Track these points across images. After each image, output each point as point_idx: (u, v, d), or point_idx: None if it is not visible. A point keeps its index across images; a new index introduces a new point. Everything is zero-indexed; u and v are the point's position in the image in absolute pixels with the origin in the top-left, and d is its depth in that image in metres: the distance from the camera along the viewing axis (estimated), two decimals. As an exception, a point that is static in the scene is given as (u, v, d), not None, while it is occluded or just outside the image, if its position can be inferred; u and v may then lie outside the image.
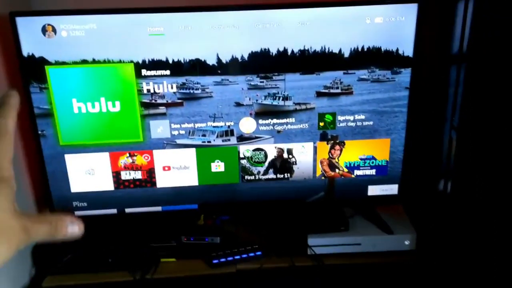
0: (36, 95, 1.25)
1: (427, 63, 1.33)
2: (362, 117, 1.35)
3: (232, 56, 1.25)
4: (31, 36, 1.19)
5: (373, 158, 1.41)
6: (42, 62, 1.21)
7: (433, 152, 1.40)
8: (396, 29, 1.26)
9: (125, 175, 1.37)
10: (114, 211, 1.42)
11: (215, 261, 1.39)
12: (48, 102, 1.26)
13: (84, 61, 1.23)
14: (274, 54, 1.26)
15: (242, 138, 1.36)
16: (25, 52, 1.20)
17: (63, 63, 1.22)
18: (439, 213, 1.40)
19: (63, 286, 1.34)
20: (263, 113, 1.34)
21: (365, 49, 1.27)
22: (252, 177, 1.42)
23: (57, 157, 1.33)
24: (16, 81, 1.27)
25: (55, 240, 0.48)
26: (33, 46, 1.20)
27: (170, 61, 1.25)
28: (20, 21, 1.17)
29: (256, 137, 1.37)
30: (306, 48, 1.26)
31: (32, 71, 1.23)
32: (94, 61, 1.23)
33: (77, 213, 1.40)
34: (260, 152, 1.39)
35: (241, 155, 1.39)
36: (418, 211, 1.50)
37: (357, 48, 1.27)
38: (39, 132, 1.29)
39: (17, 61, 1.21)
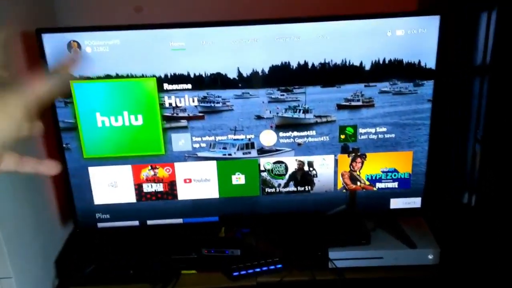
0: (61, 109, 1.28)
1: (449, 75, 1.31)
2: (384, 129, 1.34)
3: (253, 70, 1.26)
4: (56, 52, 1.21)
5: (396, 170, 1.40)
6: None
7: (456, 165, 1.38)
8: (418, 41, 1.25)
9: (147, 188, 1.39)
10: (136, 223, 1.44)
11: (235, 274, 1.39)
12: (73, 116, 1.28)
13: (108, 76, 1.25)
14: (294, 67, 1.26)
15: (263, 151, 1.37)
16: (51, 68, 1.22)
17: (88, 78, 1.25)
18: (463, 226, 1.37)
19: (85, 297, 1.36)
20: (283, 126, 1.34)
21: (387, 62, 1.26)
22: (273, 190, 1.42)
23: (81, 170, 1.35)
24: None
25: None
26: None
27: (192, 75, 1.26)
28: (46, 38, 1.20)
29: (277, 150, 1.37)
30: (327, 61, 1.26)
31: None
32: (117, 76, 1.25)
33: (100, 224, 1.42)
34: (280, 165, 1.39)
35: (262, 168, 1.39)
36: (441, 224, 1.47)
37: (378, 60, 1.26)
38: (64, 146, 1.32)
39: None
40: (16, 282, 1.19)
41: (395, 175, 1.40)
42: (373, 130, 1.35)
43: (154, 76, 1.26)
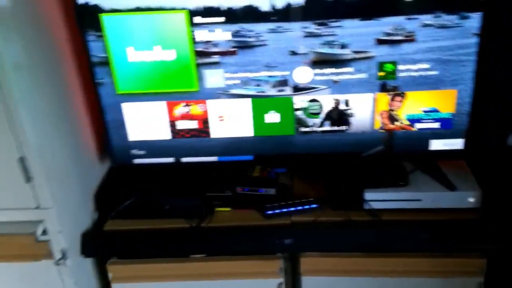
0: (93, 43, 1.28)
1: (499, 6, 1.21)
2: (426, 66, 1.27)
3: (287, 1, 1.20)
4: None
5: (437, 110, 1.33)
6: (96, 10, 1.23)
7: (503, 105, 1.30)
8: (466, -31, 1.15)
9: (181, 125, 1.39)
10: (171, 160, 1.45)
11: (269, 212, 1.39)
12: (104, 50, 1.28)
13: (138, 9, 1.23)
14: (331, -2, 1.20)
15: (298, 89, 1.33)
16: (80, 0, 1.22)
17: (118, 10, 1.23)
18: (506, 169, 1.31)
19: (123, 230, 1.40)
20: (319, 62, 1.29)
21: (430, -9, 1.18)
22: (308, 129, 1.39)
23: (115, 106, 1.37)
24: (73, 30, 1.30)
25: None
26: (88, -7, 1.22)
27: (223, 8, 1.22)
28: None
29: (312, 88, 1.32)
30: (366, -9, 1.19)
31: (88, 19, 1.25)
32: (148, 9, 1.22)
33: (136, 161, 1.44)
34: (315, 103, 1.35)
35: (296, 106, 1.35)
36: (484, 167, 1.41)
37: (422, -10, 1.18)
38: (98, 81, 1.32)
39: (73, 9, 1.24)
40: (57, 213, 1.24)
41: (436, 115, 1.34)
42: (414, 67, 1.28)
43: (185, 8, 1.22)
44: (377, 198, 1.37)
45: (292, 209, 1.39)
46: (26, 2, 1.13)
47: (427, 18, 1.22)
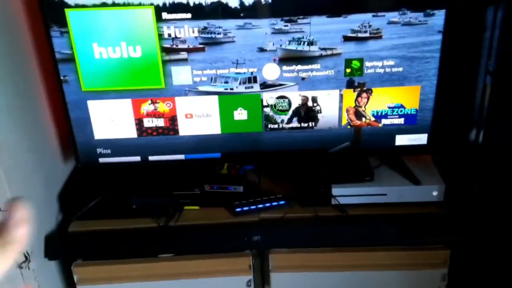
0: (57, 39, 1.24)
1: (461, 4, 1.24)
2: (392, 63, 1.30)
3: (255, -2, 1.20)
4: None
5: (402, 106, 1.36)
6: (62, 4, 1.19)
7: (465, 100, 1.34)
8: (430, -33, 1.18)
9: (147, 123, 1.37)
10: (137, 158, 1.43)
11: (238, 210, 1.38)
12: (69, 46, 1.24)
13: (104, 4, 1.20)
14: (299, -5, 1.20)
15: (266, 85, 1.33)
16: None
17: (83, 6, 1.20)
18: (469, 163, 1.35)
19: (88, 231, 1.37)
20: (287, 59, 1.29)
21: (396, -11, 1.20)
22: (276, 126, 1.39)
23: (80, 103, 1.33)
24: (37, 24, 1.25)
25: None
26: (52, -12, 1.18)
27: (191, 4, 1.21)
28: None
29: (280, 84, 1.33)
30: (333, -12, 1.20)
31: (53, 14, 1.21)
32: (114, 4, 1.20)
33: (102, 160, 1.41)
34: (284, 100, 1.35)
35: (265, 103, 1.35)
36: (447, 161, 1.45)
37: (388, -12, 1.20)
38: (62, 78, 1.29)
39: (37, 4, 1.20)
40: (19, 215, 1.19)
41: (401, 111, 1.36)
42: (380, 64, 1.30)
43: (152, 4, 1.20)
44: (344, 194, 1.39)
45: (261, 206, 1.39)
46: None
47: (393, 16, 1.24)
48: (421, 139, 1.40)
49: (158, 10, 1.21)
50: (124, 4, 1.20)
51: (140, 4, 1.20)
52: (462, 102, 1.36)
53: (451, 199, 1.37)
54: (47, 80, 1.35)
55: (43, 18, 1.22)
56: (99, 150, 1.40)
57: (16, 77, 1.21)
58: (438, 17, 1.23)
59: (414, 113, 1.36)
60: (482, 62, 1.25)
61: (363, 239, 1.35)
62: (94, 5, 1.20)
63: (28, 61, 1.28)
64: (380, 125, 1.39)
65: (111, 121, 1.35)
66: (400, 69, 1.30)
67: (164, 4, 1.21)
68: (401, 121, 1.38)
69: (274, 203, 1.40)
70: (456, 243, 1.34)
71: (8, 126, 1.17)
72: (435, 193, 1.37)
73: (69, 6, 1.20)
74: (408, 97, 1.34)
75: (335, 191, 1.38)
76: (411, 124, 1.38)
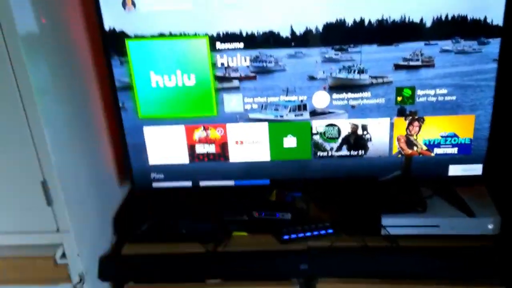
0: (117, 68, 1.30)
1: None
2: (444, 91, 1.28)
3: (306, 28, 1.23)
4: (112, 9, 1.23)
5: (455, 135, 1.33)
6: (122, 35, 1.26)
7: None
8: (483, -5, 1.17)
9: (199, 149, 1.40)
10: (189, 183, 1.46)
11: (285, 237, 1.38)
12: (128, 75, 1.31)
13: (161, 35, 1.25)
14: (349, 24, 1.22)
15: (315, 113, 1.34)
16: (106, 26, 1.25)
17: (142, 36, 1.26)
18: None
19: (140, 254, 1.40)
20: (337, 87, 1.30)
21: (449, 18, 1.19)
22: (325, 153, 1.39)
23: (137, 130, 1.38)
24: (98, 54, 1.33)
25: None
26: (114, 19, 1.25)
27: (244, 34, 1.25)
28: (102, -5, 1.22)
29: (330, 112, 1.33)
30: (384, 18, 1.20)
31: (113, 44, 1.28)
32: (170, 35, 1.25)
33: (155, 184, 1.45)
34: (333, 128, 1.35)
35: (314, 131, 1.36)
36: (503, 193, 1.40)
37: (440, 16, 1.19)
38: (120, 105, 1.35)
39: (99, 34, 1.28)
40: (76, 236, 1.24)
41: (454, 140, 1.34)
42: (432, 92, 1.28)
43: (206, 34, 1.25)
44: (394, 224, 1.36)
45: (308, 234, 1.39)
46: (54, 28, 1.16)
47: (446, 44, 1.23)
48: (475, 169, 1.36)
49: (212, 40, 1.26)
50: (180, 35, 1.25)
51: (195, 35, 1.25)
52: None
53: (507, 233, 1.32)
54: (106, 107, 1.42)
55: (104, 48, 1.29)
56: (153, 175, 1.44)
57: (78, 106, 1.28)
58: (493, 46, 1.21)
59: (468, 142, 1.33)
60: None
61: (413, 271, 1.32)
62: (152, 36, 1.26)
63: (89, 90, 1.35)
64: (432, 154, 1.36)
65: (165, 146, 1.39)
66: (454, 97, 1.28)
67: (218, 34, 1.25)
68: (454, 150, 1.35)
69: (322, 232, 1.39)
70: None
71: (68, 151, 1.23)
72: (490, 226, 1.32)
73: (129, 37, 1.26)
74: (462, 126, 1.32)
75: (385, 221, 1.36)
76: (465, 154, 1.35)
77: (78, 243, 1.25)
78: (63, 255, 1.26)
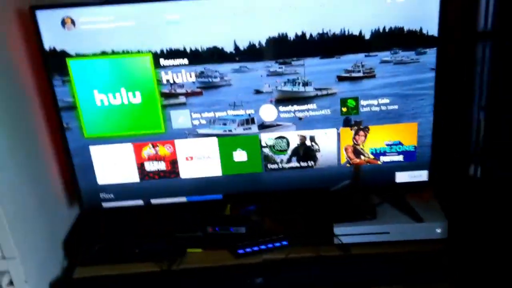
0: (59, 88, 1.28)
1: (452, 42, 1.27)
2: (386, 101, 1.31)
3: (250, 42, 1.24)
4: (51, 29, 1.21)
5: (400, 143, 1.37)
6: (63, 54, 1.24)
7: (462, 135, 1.34)
8: (419, 8, 1.21)
9: (149, 166, 1.39)
10: (140, 202, 1.44)
11: (240, 251, 1.38)
12: (71, 94, 1.29)
13: (104, 53, 1.24)
14: (292, 38, 1.24)
15: (264, 126, 1.35)
16: (46, 46, 1.23)
17: (83, 55, 1.24)
18: (469, 199, 1.34)
19: (92, 277, 1.36)
20: (283, 99, 1.32)
21: (387, 30, 1.23)
22: (275, 166, 1.40)
23: (83, 150, 1.36)
24: (40, 74, 1.30)
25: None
26: (54, 39, 1.23)
27: (188, 50, 1.25)
28: (40, 14, 1.20)
29: (278, 125, 1.35)
30: (325, 31, 1.23)
31: (55, 64, 1.26)
32: (113, 52, 1.24)
33: (105, 204, 1.43)
34: (282, 140, 1.37)
35: (263, 144, 1.37)
36: (449, 197, 1.44)
37: (379, 29, 1.23)
38: (64, 125, 1.32)
39: (39, 54, 1.25)
40: (22, 262, 1.20)
41: (399, 148, 1.37)
42: (375, 102, 1.32)
43: (150, 51, 1.25)
44: (346, 232, 1.38)
45: (263, 247, 1.39)
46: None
47: (385, 55, 1.26)
48: (421, 175, 1.40)
49: (156, 56, 1.25)
50: (123, 52, 1.24)
51: (138, 52, 1.24)
52: (459, 137, 1.36)
53: (454, 236, 1.35)
54: (50, 127, 1.39)
55: (46, 68, 1.27)
56: (102, 195, 1.42)
57: (19, 125, 1.25)
58: (430, 55, 1.26)
59: (413, 149, 1.37)
60: (475, 97, 1.27)
61: (367, 278, 1.33)
62: (94, 54, 1.24)
63: (31, 110, 1.32)
64: (379, 162, 1.39)
65: (113, 166, 1.38)
66: (396, 106, 1.32)
67: (162, 51, 1.25)
68: (400, 158, 1.38)
69: (277, 244, 1.39)
70: (461, 280, 1.31)
71: (11, 174, 1.20)
72: (438, 230, 1.36)
73: (70, 56, 1.24)
74: (406, 134, 1.35)
75: (337, 230, 1.38)
76: (410, 160, 1.38)
77: (26, 269, 1.21)
78: (10, 283, 1.21)
